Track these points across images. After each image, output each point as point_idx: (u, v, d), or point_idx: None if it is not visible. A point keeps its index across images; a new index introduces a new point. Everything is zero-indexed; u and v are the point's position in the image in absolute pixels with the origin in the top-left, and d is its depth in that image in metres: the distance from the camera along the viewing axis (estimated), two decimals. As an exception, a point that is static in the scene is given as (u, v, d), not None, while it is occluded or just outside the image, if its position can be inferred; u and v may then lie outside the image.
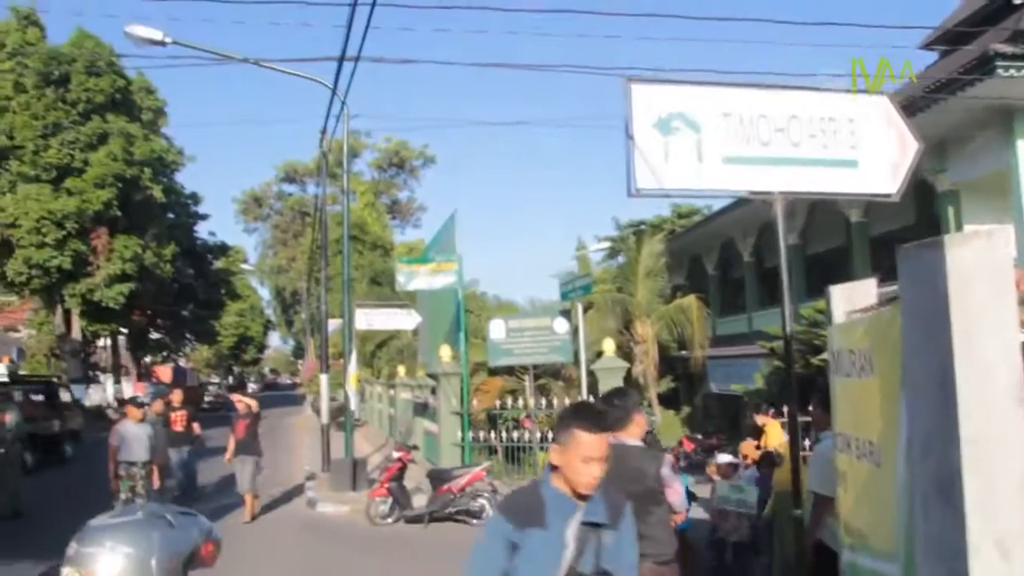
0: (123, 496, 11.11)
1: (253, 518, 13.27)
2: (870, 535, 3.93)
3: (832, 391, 4.19)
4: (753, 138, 5.18)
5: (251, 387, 70.98)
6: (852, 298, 4.08)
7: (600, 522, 3.14)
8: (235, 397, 14.70)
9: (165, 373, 14.40)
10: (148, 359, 54.51)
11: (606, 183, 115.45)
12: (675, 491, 5.12)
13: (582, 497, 3.14)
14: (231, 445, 13.60)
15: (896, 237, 16.26)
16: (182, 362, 61.05)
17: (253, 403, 14.33)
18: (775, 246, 5.53)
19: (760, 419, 11.63)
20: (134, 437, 11.53)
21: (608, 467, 4.52)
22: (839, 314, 4.11)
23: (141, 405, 12.35)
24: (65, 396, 24.08)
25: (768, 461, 9.28)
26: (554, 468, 3.21)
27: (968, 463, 2.45)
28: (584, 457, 3.11)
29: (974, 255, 2.48)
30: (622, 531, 3.27)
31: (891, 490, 3.69)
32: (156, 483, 11.88)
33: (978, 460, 2.45)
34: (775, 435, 10.87)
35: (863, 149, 5.35)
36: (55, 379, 26.90)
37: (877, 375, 3.68)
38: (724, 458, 10.22)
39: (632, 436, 5.12)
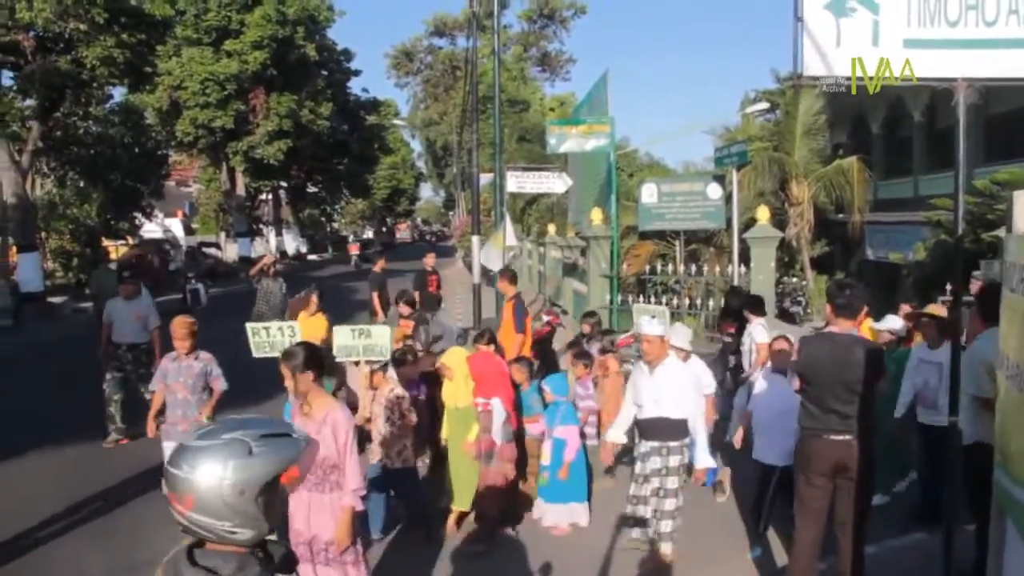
0: (108, 376, 9.83)
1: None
2: (1012, 459, 3.79)
3: (1002, 298, 3.96)
4: (939, 17, 4.73)
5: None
6: (1040, 206, 3.75)
7: None
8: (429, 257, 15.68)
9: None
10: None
11: (767, 31, 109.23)
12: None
13: None
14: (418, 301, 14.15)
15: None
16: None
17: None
18: (953, 106, 4.99)
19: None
20: (123, 316, 9.98)
21: (828, 352, 5.11)
22: (1021, 222, 3.80)
23: (133, 281, 10.39)
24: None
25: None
26: None
27: None
28: None
29: None
30: None
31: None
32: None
33: None
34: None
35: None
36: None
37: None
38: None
39: (852, 327, 5.29)
